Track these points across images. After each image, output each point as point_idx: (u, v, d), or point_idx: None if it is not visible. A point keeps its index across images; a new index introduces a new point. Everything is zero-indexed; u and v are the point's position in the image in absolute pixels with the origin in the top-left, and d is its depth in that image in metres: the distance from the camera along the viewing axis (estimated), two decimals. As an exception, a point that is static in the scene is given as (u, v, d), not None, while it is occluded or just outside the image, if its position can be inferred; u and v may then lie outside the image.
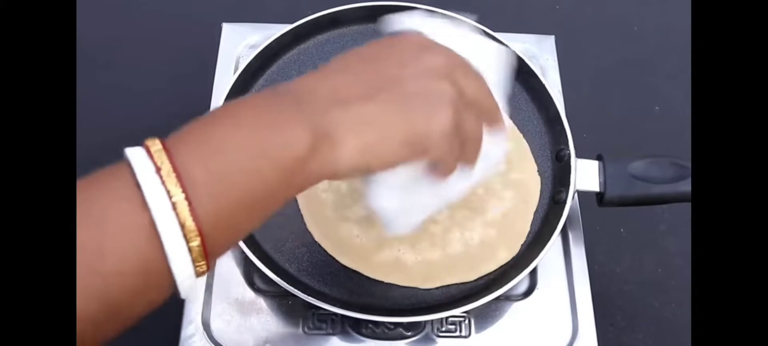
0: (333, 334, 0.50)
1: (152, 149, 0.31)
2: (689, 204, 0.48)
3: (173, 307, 0.49)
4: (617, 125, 0.73)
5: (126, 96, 0.71)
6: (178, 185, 0.30)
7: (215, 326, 0.50)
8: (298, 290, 0.48)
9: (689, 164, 0.51)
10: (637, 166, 0.52)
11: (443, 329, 0.51)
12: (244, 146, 0.32)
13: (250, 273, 0.52)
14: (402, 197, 0.40)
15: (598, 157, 0.54)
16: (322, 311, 0.50)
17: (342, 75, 0.35)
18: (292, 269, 0.51)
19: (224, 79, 0.59)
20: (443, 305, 0.49)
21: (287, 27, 0.60)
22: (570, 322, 0.52)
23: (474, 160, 0.39)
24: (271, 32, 0.60)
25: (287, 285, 0.48)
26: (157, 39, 0.76)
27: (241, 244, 0.49)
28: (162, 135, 0.32)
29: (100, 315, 0.29)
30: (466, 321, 0.51)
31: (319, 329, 0.50)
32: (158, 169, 0.30)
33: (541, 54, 0.64)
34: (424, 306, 0.50)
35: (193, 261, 0.31)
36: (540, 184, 0.55)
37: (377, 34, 0.60)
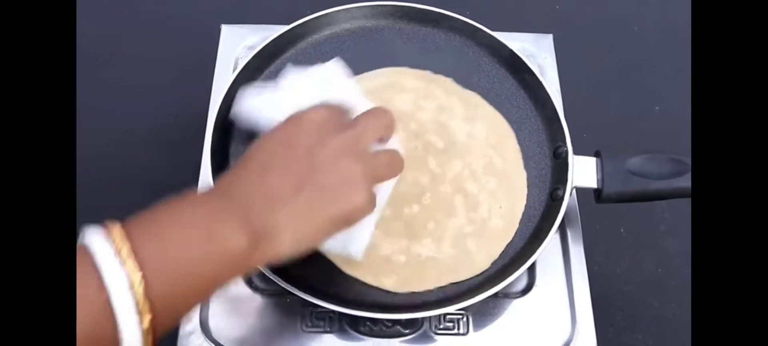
0: (331, 332, 0.50)
1: (113, 232, 0.34)
2: (689, 204, 0.47)
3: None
4: (616, 125, 0.73)
5: (126, 95, 0.71)
6: (136, 266, 0.33)
7: (213, 324, 0.50)
8: (296, 288, 0.48)
9: (686, 159, 0.51)
10: (635, 162, 0.52)
11: (441, 326, 0.51)
12: (192, 239, 0.36)
13: (248, 271, 0.52)
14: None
15: (596, 154, 0.54)
16: (319, 309, 0.50)
17: (270, 173, 0.40)
18: (289, 267, 0.51)
19: (223, 79, 0.60)
20: (441, 302, 0.49)
21: (284, 28, 0.60)
22: (568, 319, 0.52)
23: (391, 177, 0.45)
24: (269, 33, 0.60)
25: (285, 283, 0.48)
26: (157, 39, 0.76)
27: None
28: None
29: None
30: (464, 318, 0.51)
31: (317, 326, 0.50)
32: (118, 252, 0.33)
33: (539, 53, 0.64)
34: (421, 303, 0.50)
35: (142, 337, 0.33)
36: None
37: (373, 35, 0.61)
